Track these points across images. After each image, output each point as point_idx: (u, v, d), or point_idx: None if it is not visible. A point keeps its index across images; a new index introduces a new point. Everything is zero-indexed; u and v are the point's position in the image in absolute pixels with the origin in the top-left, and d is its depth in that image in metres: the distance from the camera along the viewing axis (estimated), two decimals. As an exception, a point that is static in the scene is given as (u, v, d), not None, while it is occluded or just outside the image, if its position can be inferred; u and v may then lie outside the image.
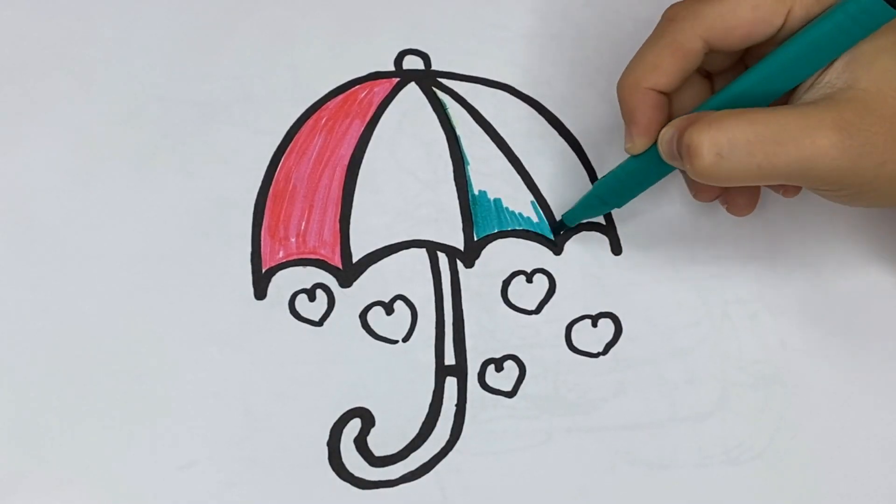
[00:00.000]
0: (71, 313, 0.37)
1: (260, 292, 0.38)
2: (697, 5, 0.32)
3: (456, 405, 0.37)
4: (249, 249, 0.39)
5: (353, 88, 0.42)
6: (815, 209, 0.41)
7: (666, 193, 0.41)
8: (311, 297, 0.38)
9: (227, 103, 0.41)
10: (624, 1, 0.45)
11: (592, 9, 0.45)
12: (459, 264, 0.39)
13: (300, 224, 0.39)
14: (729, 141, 0.30)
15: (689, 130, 0.31)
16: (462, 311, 0.39)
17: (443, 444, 0.37)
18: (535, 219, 0.40)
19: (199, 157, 0.40)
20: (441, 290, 0.39)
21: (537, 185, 0.41)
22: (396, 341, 0.38)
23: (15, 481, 0.35)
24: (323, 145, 0.41)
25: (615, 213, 0.41)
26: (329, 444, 0.36)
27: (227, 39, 0.42)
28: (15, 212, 0.39)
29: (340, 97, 0.42)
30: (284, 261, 0.39)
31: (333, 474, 0.36)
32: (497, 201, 0.40)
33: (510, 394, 0.38)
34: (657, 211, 0.41)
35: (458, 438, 0.37)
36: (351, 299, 0.38)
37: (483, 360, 0.38)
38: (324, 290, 0.38)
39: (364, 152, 0.41)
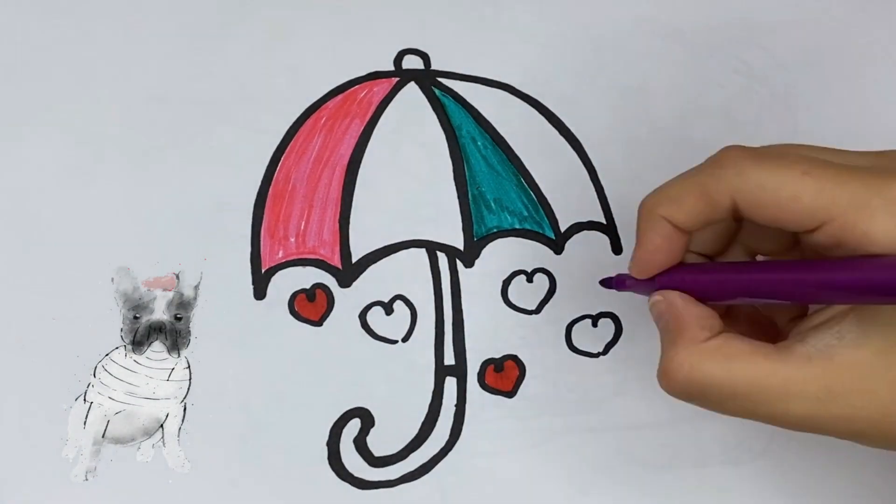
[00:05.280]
0: (71, 313, 0.37)
1: (260, 292, 0.38)
2: (747, 161, 0.28)
3: (455, 405, 0.37)
4: (249, 249, 0.39)
5: (352, 88, 0.42)
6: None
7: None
8: (311, 297, 0.38)
9: (227, 103, 0.41)
10: (624, 0, 0.45)
11: (592, 8, 0.45)
12: (459, 264, 0.39)
13: (300, 224, 0.39)
14: (704, 388, 0.29)
15: (669, 355, 0.29)
16: (462, 311, 0.39)
17: (442, 444, 0.37)
18: (535, 218, 0.40)
19: (199, 157, 0.40)
20: (441, 289, 0.39)
21: (538, 184, 0.41)
22: (396, 341, 0.38)
23: (15, 481, 0.35)
24: (322, 145, 0.41)
25: (615, 212, 0.41)
26: (329, 444, 0.36)
27: (227, 39, 0.42)
28: (15, 211, 0.39)
29: (340, 97, 0.42)
30: (284, 261, 0.39)
31: (333, 474, 0.36)
32: (497, 200, 0.40)
33: (510, 394, 0.38)
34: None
35: (457, 439, 0.37)
36: (350, 299, 0.38)
37: (483, 360, 0.38)
38: (323, 290, 0.38)
39: (363, 152, 0.41)
